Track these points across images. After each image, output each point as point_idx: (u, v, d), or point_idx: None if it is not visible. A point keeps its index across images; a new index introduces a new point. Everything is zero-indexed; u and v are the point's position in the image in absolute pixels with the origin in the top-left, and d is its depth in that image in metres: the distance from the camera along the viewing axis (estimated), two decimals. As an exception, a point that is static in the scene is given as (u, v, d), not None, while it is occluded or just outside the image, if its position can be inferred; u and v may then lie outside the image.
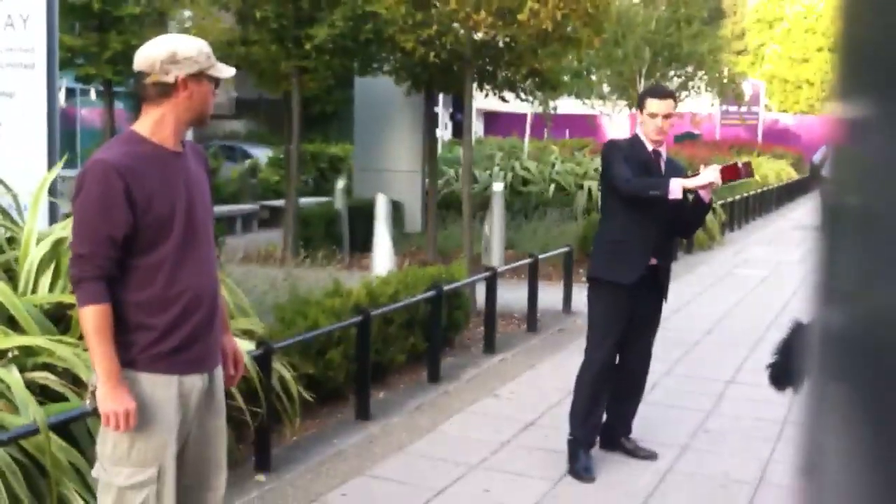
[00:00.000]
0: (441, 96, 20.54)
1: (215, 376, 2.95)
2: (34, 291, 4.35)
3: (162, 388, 2.76)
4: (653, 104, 4.54)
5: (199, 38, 2.92)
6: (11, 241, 4.82)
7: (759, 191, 21.28)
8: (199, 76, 2.80)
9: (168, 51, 2.77)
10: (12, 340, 3.73)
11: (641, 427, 5.49)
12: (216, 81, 2.88)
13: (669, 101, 4.59)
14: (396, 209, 12.12)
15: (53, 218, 5.61)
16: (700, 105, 27.76)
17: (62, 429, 3.50)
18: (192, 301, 2.80)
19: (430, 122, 12.11)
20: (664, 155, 4.70)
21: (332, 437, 5.11)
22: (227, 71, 2.92)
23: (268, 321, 5.38)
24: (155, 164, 2.76)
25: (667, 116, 4.53)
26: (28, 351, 3.80)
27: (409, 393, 6.04)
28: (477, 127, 35.12)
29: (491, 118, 39.14)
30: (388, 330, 6.09)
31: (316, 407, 5.42)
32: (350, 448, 4.96)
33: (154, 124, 2.79)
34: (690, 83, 24.91)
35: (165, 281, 2.75)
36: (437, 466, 4.76)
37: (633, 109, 24.73)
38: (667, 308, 9.23)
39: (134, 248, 2.72)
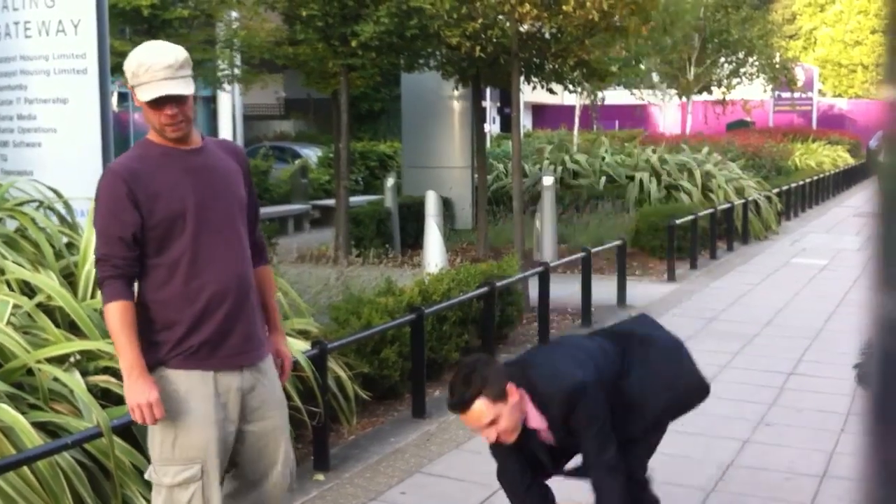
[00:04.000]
0: (488, 90, 20.51)
1: (262, 369, 2.95)
2: (93, 296, 4.41)
3: (198, 385, 2.81)
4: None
5: (178, 45, 2.86)
6: (70, 246, 4.89)
7: (815, 178, 20.91)
8: (133, 90, 2.80)
9: (127, 59, 2.81)
10: (74, 345, 3.78)
11: (702, 422, 5.42)
12: (157, 100, 2.76)
13: (468, 415, 3.11)
14: (446, 206, 12.11)
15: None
16: (752, 92, 27.35)
17: (125, 431, 3.54)
18: (216, 295, 2.83)
19: (478, 116, 12.07)
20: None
21: (389, 436, 5.11)
22: (143, 93, 2.76)
23: (322, 321, 5.40)
24: (163, 164, 2.83)
25: (490, 424, 3.11)
26: (89, 355, 3.86)
27: (465, 390, 6.01)
28: (525, 120, 35.01)
29: (539, 111, 38.99)
30: (441, 327, 6.08)
31: (372, 405, 5.43)
32: (407, 446, 4.96)
33: (151, 131, 2.88)
34: (742, 69, 24.55)
35: (184, 277, 2.81)
36: (494, 463, 4.72)
37: (684, 98, 24.49)
38: (724, 300, 9.16)
39: (149, 248, 2.81)
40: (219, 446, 2.83)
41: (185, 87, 2.77)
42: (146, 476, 2.95)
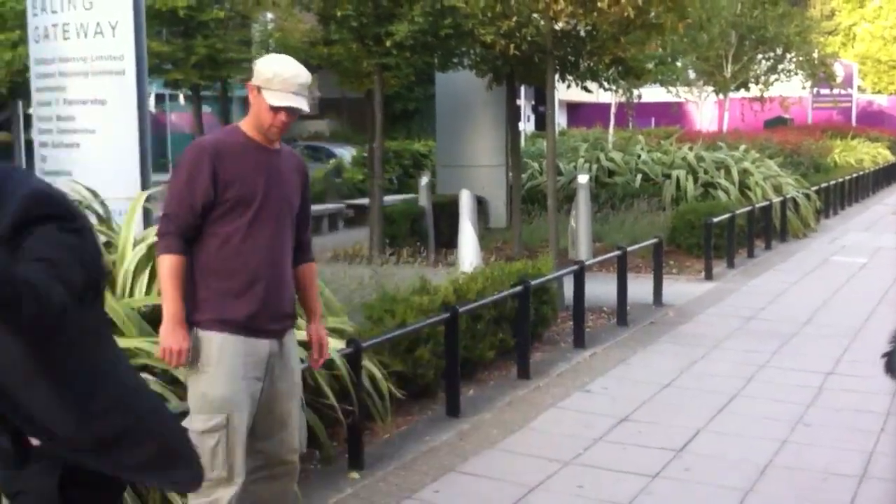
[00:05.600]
0: (523, 89, 20.45)
1: (285, 343, 3.33)
2: (131, 295, 4.46)
3: (230, 345, 3.16)
4: None
5: (294, 59, 3.30)
6: (108, 245, 4.95)
7: (854, 175, 20.61)
8: (259, 90, 3.21)
9: (260, 62, 3.30)
10: (111, 343, 3.81)
11: (739, 422, 5.37)
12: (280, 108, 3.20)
13: None
14: (481, 204, 12.09)
15: (147, 223, 5.74)
16: (790, 88, 27.02)
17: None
18: (257, 272, 3.21)
19: (513, 115, 12.04)
20: None
21: (423, 434, 5.11)
22: (272, 98, 3.18)
23: (357, 320, 5.41)
24: (244, 152, 3.25)
25: None
26: (128, 353, 3.89)
27: (499, 389, 6.01)
28: (560, 119, 34.86)
29: (574, 109, 38.82)
30: (476, 326, 6.07)
31: (407, 404, 5.44)
32: (441, 444, 4.96)
33: (245, 122, 3.31)
34: (779, 66, 24.25)
35: (234, 251, 3.19)
36: (529, 462, 4.73)
37: (720, 95, 24.25)
38: (762, 298, 9.07)
39: (211, 218, 3.19)
40: (244, 401, 3.18)
41: (305, 105, 3.25)
42: (183, 423, 3.10)
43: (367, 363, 4.77)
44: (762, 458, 4.76)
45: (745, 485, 4.42)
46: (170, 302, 3.12)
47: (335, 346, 4.48)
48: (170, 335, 3.11)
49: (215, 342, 3.17)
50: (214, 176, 3.16)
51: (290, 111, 3.22)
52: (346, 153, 20.77)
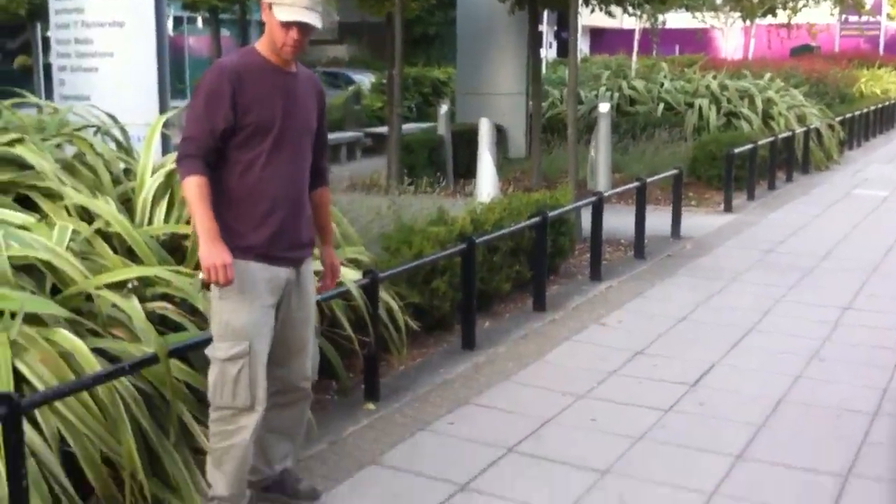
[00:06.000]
0: (545, 13, 20.09)
1: (302, 272, 3.37)
2: (150, 223, 4.47)
3: (252, 273, 3.18)
4: None
5: None
6: (127, 172, 4.94)
7: (880, 106, 20.27)
8: (270, 7, 3.15)
9: None
10: (131, 271, 3.84)
11: (756, 357, 5.38)
12: (291, 23, 3.13)
13: None
14: (500, 134, 11.98)
15: (165, 149, 5.73)
16: (818, 15, 26.44)
17: (181, 357, 3.62)
18: (277, 199, 3.22)
19: (535, 41, 11.85)
20: None
21: (438, 367, 5.15)
22: (282, 13, 3.11)
23: (374, 250, 5.41)
24: (262, 75, 3.21)
25: None
26: (146, 281, 3.92)
27: (515, 322, 6.04)
28: (582, 45, 34.33)
29: (597, 35, 38.20)
30: (492, 258, 6.07)
31: (422, 336, 5.48)
32: (456, 377, 5.00)
33: (261, 42, 3.27)
34: (807, -8, 23.72)
35: (255, 178, 3.19)
36: (543, 395, 4.77)
37: (747, 22, 23.77)
38: (781, 231, 9.02)
39: (232, 143, 3.17)
40: (264, 328, 3.21)
41: (317, 21, 3.16)
42: (206, 351, 3.28)
43: (384, 294, 4.78)
44: (776, 393, 4.78)
45: (759, 419, 4.44)
46: (202, 220, 3.08)
47: (352, 276, 4.50)
48: (212, 252, 3.05)
49: (237, 269, 3.15)
50: (234, 100, 3.13)
51: (301, 27, 3.14)
52: (365, 80, 20.58)
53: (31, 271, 3.77)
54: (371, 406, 4.56)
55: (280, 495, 3.56)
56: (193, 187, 3.09)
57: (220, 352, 3.20)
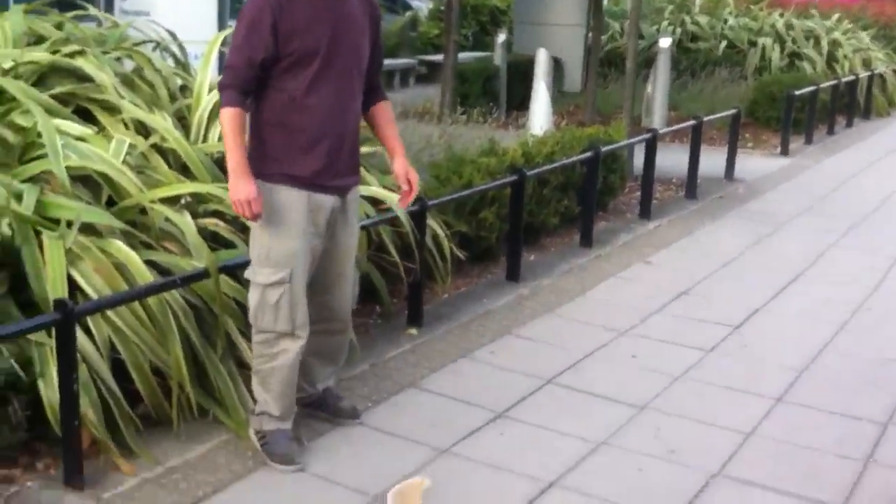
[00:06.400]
0: (609, -56, 19.54)
1: (347, 200, 3.35)
2: (205, 140, 4.51)
3: (295, 200, 3.17)
4: None
5: None
6: (184, 89, 4.98)
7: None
8: None
9: None
10: (185, 187, 3.90)
11: (801, 302, 5.34)
12: None
13: None
14: (557, 66, 11.79)
15: (223, 67, 5.74)
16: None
17: (231, 274, 3.69)
18: (323, 127, 3.18)
19: (597, -29, 11.57)
20: None
21: (482, 297, 5.19)
22: None
23: (423, 178, 5.40)
24: (308, 1, 3.11)
25: None
26: (199, 198, 3.98)
27: (561, 256, 6.03)
28: (644, -22, 33.41)
29: (660, -31, 37.14)
30: (542, 191, 6.05)
31: (467, 266, 5.51)
32: (499, 308, 5.04)
33: None
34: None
35: (300, 106, 3.15)
36: (584, 330, 4.79)
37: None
38: (837, 178, 8.85)
39: (275, 71, 3.13)
40: (306, 256, 3.21)
41: None
42: (245, 274, 3.31)
43: (432, 222, 4.80)
44: (820, 340, 4.75)
45: (801, 364, 4.43)
46: (231, 154, 3.09)
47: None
48: (237, 186, 3.07)
49: (280, 196, 3.16)
50: (275, 29, 3.06)
51: None
52: (423, 6, 20.29)
53: (87, 182, 3.85)
54: (413, 332, 4.62)
55: (321, 412, 3.65)
56: (226, 120, 3.09)
57: (260, 277, 3.21)
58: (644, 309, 5.10)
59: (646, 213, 7.03)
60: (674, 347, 4.60)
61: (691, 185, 7.82)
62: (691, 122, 7.98)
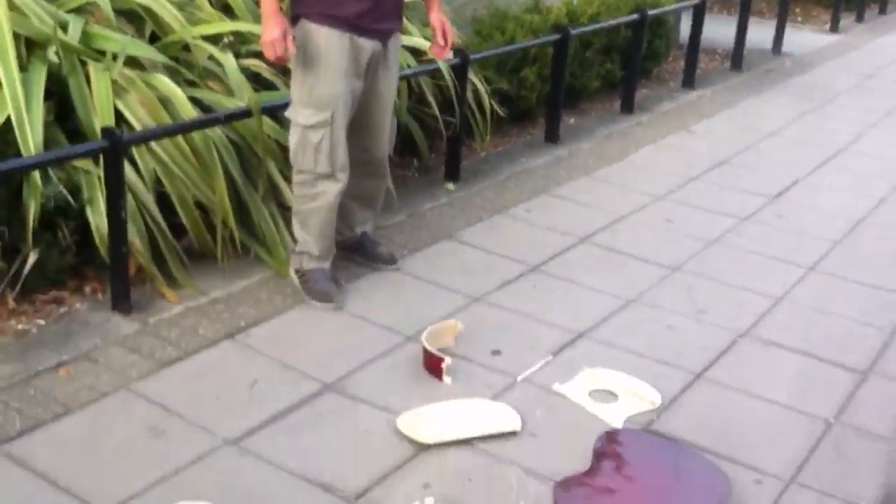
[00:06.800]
0: None
1: (389, 46, 3.33)
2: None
3: (336, 42, 3.15)
4: None
5: None
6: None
7: None
8: None
9: None
10: (228, 25, 3.87)
11: (840, 177, 5.29)
12: None
13: None
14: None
15: None
16: None
17: (272, 115, 3.70)
18: None
19: None
20: None
21: (519, 156, 5.18)
22: None
23: (465, 34, 5.34)
24: None
25: None
26: (241, 38, 3.95)
27: (601, 121, 5.98)
28: None
29: None
30: (584, 53, 5.95)
31: (506, 127, 5.48)
32: (537, 167, 5.03)
33: None
34: None
35: None
36: (621, 193, 4.79)
37: None
38: (885, 57, 8.63)
39: None
40: (347, 99, 3.21)
41: None
42: (286, 114, 3.32)
43: (473, 78, 4.75)
44: (858, 214, 4.74)
45: (836, 237, 4.43)
46: None
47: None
48: (267, 28, 3.06)
49: (322, 36, 3.14)
50: None
51: None
52: None
53: (131, 17, 3.83)
54: (450, 186, 4.64)
55: (359, 257, 3.71)
56: None
57: (301, 118, 3.22)
58: (682, 175, 5.08)
59: (689, 82, 6.91)
60: (710, 214, 4.60)
61: (737, 57, 7.64)
62: (742, -9, 7.73)
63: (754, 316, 3.60)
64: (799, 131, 6.13)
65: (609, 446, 2.66)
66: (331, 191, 3.30)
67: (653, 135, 5.77)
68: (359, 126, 3.38)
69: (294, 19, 3.18)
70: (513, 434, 2.74)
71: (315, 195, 3.32)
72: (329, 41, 3.14)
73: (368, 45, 3.22)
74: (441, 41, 3.43)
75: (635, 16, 6.02)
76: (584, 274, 3.83)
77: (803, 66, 8.06)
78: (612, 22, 5.94)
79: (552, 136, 5.44)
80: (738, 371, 3.20)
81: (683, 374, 3.15)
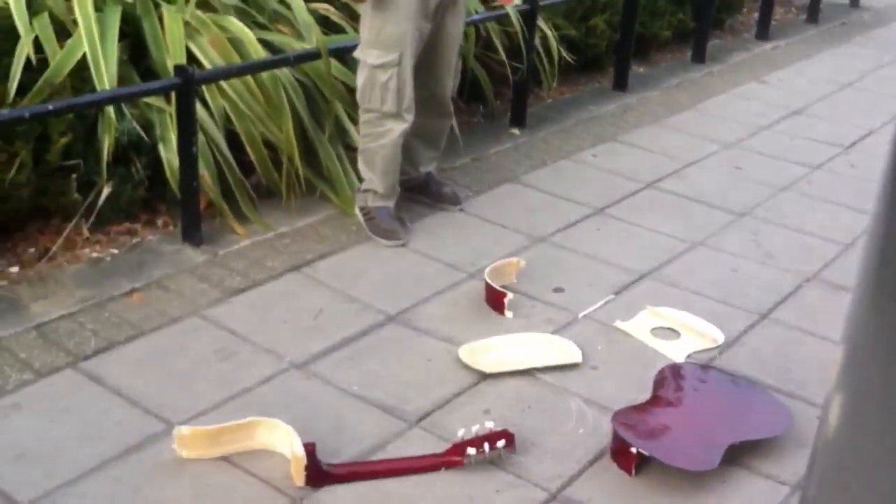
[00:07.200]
0: None
1: None
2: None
3: None
4: None
5: None
6: None
7: None
8: None
9: None
10: (296, -31, 3.90)
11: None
12: None
13: None
14: None
15: None
16: None
17: (340, 58, 3.74)
18: None
19: None
20: None
21: (586, 104, 5.14)
22: None
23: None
24: None
25: None
26: (309, -16, 3.99)
27: (671, 70, 5.89)
28: None
29: None
30: (656, 2, 5.85)
31: (574, 75, 5.43)
32: (604, 114, 5.00)
33: None
34: None
35: None
36: (689, 141, 4.73)
37: None
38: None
39: None
40: (415, 40, 3.25)
41: None
42: (355, 54, 3.37)
43: (541, 24, 4.73)
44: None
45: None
46: None
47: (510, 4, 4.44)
48: None
49: None
50: None
51: None
52: None
53: (203, -39, 3.89)
54: (516, 132, 4.63)
55: (424, 197, 3.75)
56: None
57: (370, 58, 3.26)
58: (753, 125, 5.00)
59: (763, 33, 6.75)
60: (780, 162, 4.52)
61: (814, 9, 7.44)
62: (821, -58, 7.51)
63: (822, 261, 3.55)
64: (874, 83, 5.96)
65: (670, 378, 2.66)
66: (396, 129, 3.34)
67: (724, 84, 5.67)
68: (425, 66, 3.40)
69: None
70: (573, 366, 2.76)
71: (381, 134, 3.36)
72: None
73: None
74: None
75: (708, -36, 5.90)
76: (649, 217, 3.81)
77: (882, 19, 7.81)
78: (685, -31, 5.83)
79: (621, 85, 5.38)
80: (802, 313, 3.17)
81: (747, 315, 3.12)
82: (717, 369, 2.79)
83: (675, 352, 2.88)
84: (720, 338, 2.97)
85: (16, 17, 3.17)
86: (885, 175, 0.88)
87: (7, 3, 3.22)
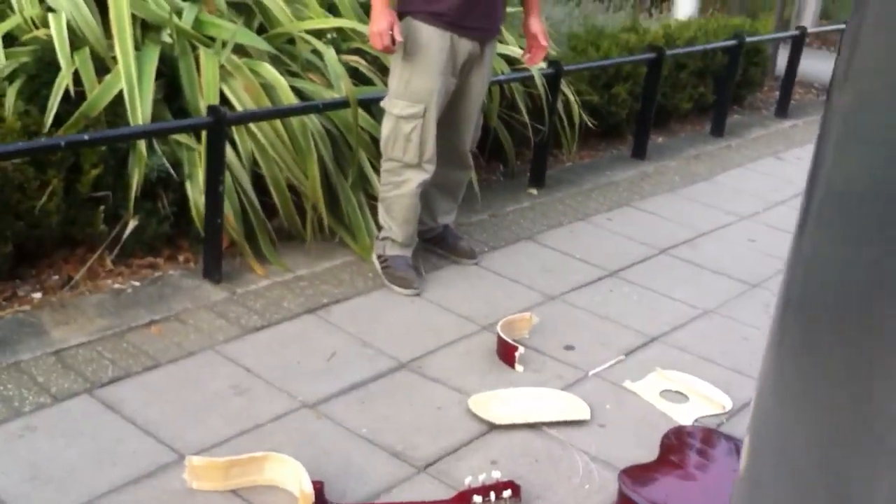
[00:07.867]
0: None
1: (485, 49, 3.47)
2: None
3: (437, 40, 3.30)
4: None
5: None
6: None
7: None
8: None
9: None
10: (331, 22, 4.03)
11: None
12: None
13: None
14: (706, -40, 11.39)
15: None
16: None
17: (367, 109, 3.83)
18: None
19: None
20: None
21: (605, 169, 5.22)
22: None
23: (561, 49, 5.41)
24: None
25: None
26: (343, 35, 4.11)
27: (690, 142, 5.98)
28: None
29: None
30: (678, 75, 5.97)
31: (594, 140, 5.52)
32: (622, 181, 5.07)
33: None
34: None
35: None
36: (705, 211, 4.79)
37: None
38: None
39: None
40: (441, 94, 3.36)
41: None
42: (381, 104, 3.46)
43: (565, 89, 4.83)
44: None
45: None
46: None
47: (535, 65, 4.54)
48: (375, 20, 3.21)
49: (424, 33, 3.28)
50: None
51: None
52: None
53: (241, 9, 4.01)
54: (534, 192, 4.70)
55: (440, 249, 3.81)
56: None
57: (396, 108, 3.35)
58: (769, 199, 5.06)
59: (783, 111, 6.86)
60: (794, 237, 4.56)
61: (833, 91, 7.54)
62: (840, 26, 7.65)
63: (833, 335, 3.57)
64: (893, 165, 6.03)
65: (678, 440, 2.68)
66: (416, 179, 3.41)
67: (742, 159, 5.75)
68: (448, 120, 3.50)
69: (400, 16, 3.31)
70: (581, 423, 2.78)
71: (400, 183, 3.43)
72: (430, 38, 3.29)
73: (467, 45, 3.37)
74: (540, 41, 3.56)
75: (733, 41, 6.02)
76: (662, 283, 3.85)
77: (902, 104, 7.91)
78: (709, 46, 5.95)
79: (639, 153, 5.47)
80: (812, 385, 3.18)
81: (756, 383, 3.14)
82: (724, 434, 2.80)
83: (684, 415, 2.90)
84: (728, 404, 2.99)
85: (58, 50, 3.28)
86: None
87: (50, 37, 3.33)
